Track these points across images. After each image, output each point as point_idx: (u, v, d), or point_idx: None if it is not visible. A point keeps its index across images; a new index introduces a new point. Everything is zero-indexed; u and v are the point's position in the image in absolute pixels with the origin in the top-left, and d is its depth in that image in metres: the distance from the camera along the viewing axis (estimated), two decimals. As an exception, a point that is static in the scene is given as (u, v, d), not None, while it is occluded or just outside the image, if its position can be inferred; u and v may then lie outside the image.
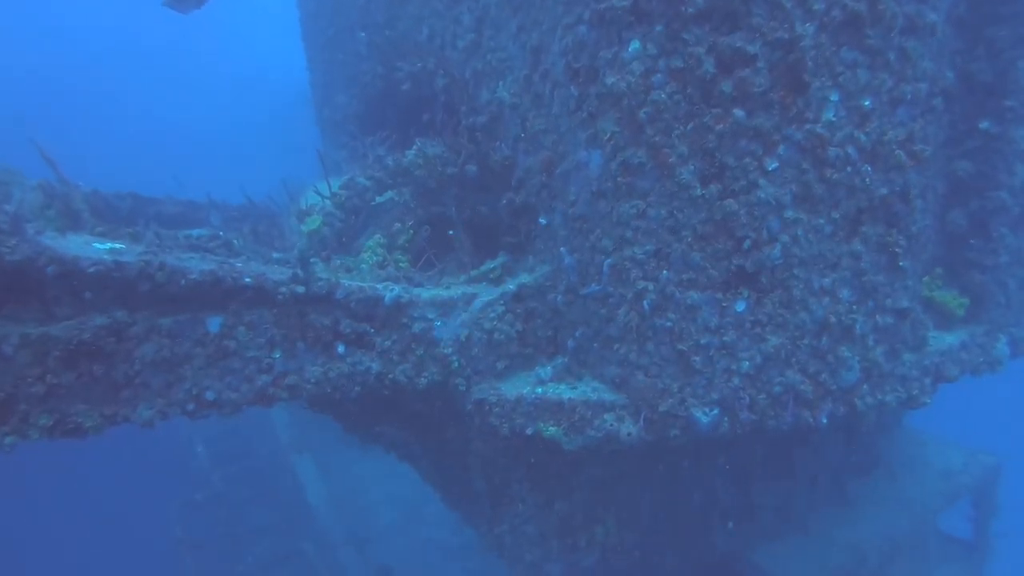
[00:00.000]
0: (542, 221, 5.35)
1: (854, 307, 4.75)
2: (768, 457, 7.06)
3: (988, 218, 5.40)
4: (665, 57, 4.28)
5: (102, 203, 6.33)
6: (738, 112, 4.28)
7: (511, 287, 5.35)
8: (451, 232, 5.92)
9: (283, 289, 4.62)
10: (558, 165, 5.03)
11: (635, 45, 4.31)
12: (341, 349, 4.92)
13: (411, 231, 5.78)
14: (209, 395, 4.52)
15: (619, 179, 4.52)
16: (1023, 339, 5.80)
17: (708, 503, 7.02)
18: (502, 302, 5.29)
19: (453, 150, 5.92)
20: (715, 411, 4.87)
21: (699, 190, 4.46)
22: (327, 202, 5.73)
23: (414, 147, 5.88)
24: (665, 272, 4.63)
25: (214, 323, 4.55)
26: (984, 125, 5.27)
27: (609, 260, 4.75)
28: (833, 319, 4.71)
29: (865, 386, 4.91)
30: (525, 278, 5.45)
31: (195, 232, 5.25)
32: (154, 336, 4.35)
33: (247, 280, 4.54)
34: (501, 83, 5.38)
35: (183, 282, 4.32)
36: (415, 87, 6.62)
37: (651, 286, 4.67)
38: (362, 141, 5.96)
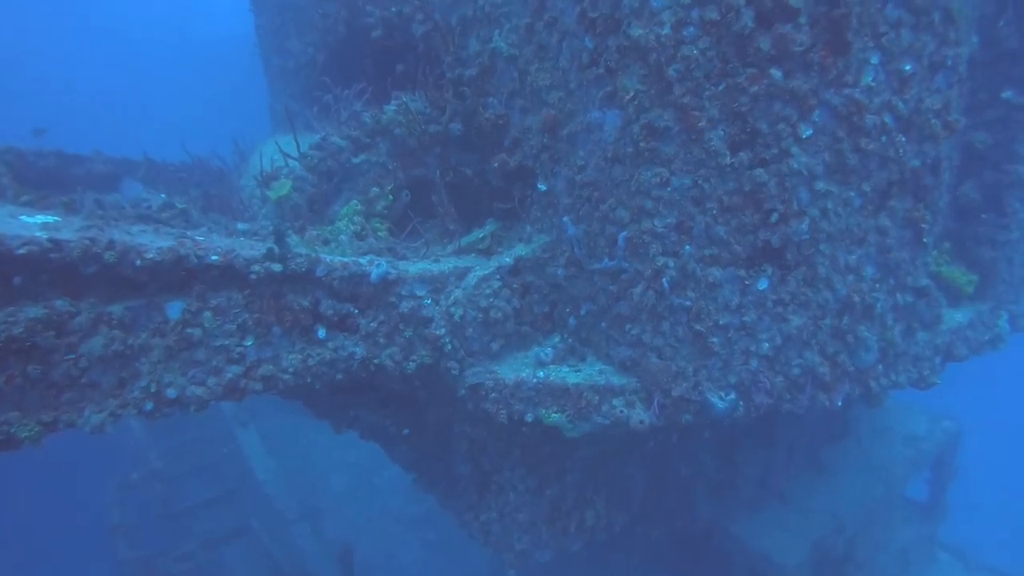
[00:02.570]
0: (541, 187, 4.84)
1: (876, 285, 4.51)
2: (752, 428, 6.93)
3: (1003, 192, 5.24)
4: (699, 7, 3.80)
5: (20, 162, 5.38)
6: (775, 72, 3.86)
7: (508, 260, 4.85)
8: (433, 197, 5.33)
9: (256, 267, 3.98)
10: (564, 125, 4.51)
11: (665, -8, 3.79)
12: (322, 333, 4.34)
13: (390, 196, 5.17)
14: (170, 392, 3.89)
15: (640, 143, 4.05)
16: (1022, 315, 5.75)
17: (693, 476, 6.87)
18: (498, 276, 4.80)
19: (436, 106, 5.30)
20: (731, 395, 4.59)
21: (728, 157, 4.06)
22: (294, 164, 5.02)
23: (393, 102, 5.21)
24: (687, 247, 4.24)
25: (174, 308, 3.89)
26: (1007, 95, 5.05)
27: (625, 233, 4.31)
28: (856, 298, 4.46)
29: (880, 367, 4.72)
30: (521, 249, 4.96)
31: (143, 199, 4.49)
32: (102, 327, 3.66)
33: (213, 258, 3.88)
34: (497, 32, 4.76)
35: (138, 262, 3.63)
36: (387, 34, 5.89)
37: (671, 262, 4.27)
38: (335, 94, 5.25)
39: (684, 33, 3.85)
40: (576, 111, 4.41)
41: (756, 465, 7.22)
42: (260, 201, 5.79)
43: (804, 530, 7.10)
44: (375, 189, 5.11)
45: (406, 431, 5.69)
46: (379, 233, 5.05)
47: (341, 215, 4.91)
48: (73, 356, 3.57)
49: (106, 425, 3.72)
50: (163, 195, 6.31)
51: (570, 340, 4.99)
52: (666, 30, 3.83)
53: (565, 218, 4.67)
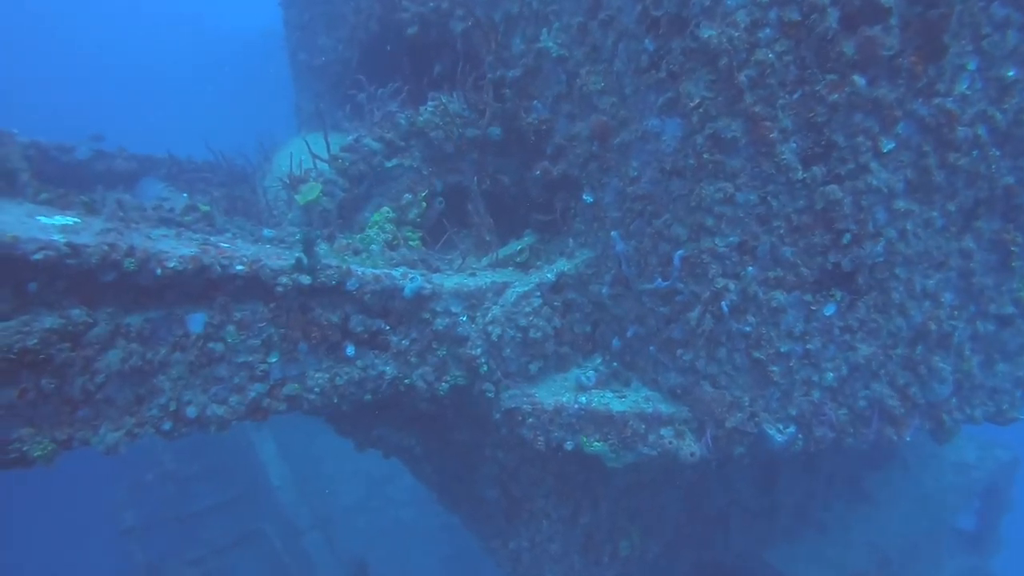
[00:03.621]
0: (587, 198, 4.51)
1: (955, 312, 4.15)
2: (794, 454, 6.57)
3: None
4: (778, 7, 3.46)
5: (41, 157, 5.13)
6: (859, 79, 3.51)
7: (549, 276, 4.53)
8: (468, 205, 5.02)
9: (283, 279, 3.68)
10: (616, 133, 4.18)
11: (740, -10, 3.46)
12: (350, 351, 4.04)
13: (423, 203, 4.86)
14: (190, 411, 3.60)
15: (704, 155, 3.72)
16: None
17: (730, 503, 6.52)
18: (539, 293, 4.48)
19: (475, 108, 4.98)
20: (791, 428, 4.24)
21: (800, 173, 3.72)
22: (323, 166, 4.73)
23: (430, 103, 4.91)
24: (750, 268, 3.91)
25: (196, 321, 3.61)
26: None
27: (681, 251, 3.97)
28: (932, 326, 4.10)
29: (954, 400, 4.36)
30: (564, 264, 4.64)
31: (164, 199, 4.21)
32: (120, 340, 3.38)
33: (238, 268, 3.59)
34: (545, 31, 4.44)
35: (159, 271, 3.34)
36: (423, 31, 5.59)
37: (732, 284, 3.94)
38: (368, 93, 4.94)
39: (760, 35, 3.51)
40: (631, 118, 4.09)
41: (796, 493, 6.86)
42: (286, 204, 5.50)
43: (844, 562, 6.72)
44: (408, 196, 4.81)
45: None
46: (411, 243, 4.74)
47: (372, 222, 4.61)
48: (89, 371, 3.29)
49: (121, 445, 3.44)
50: (185, 195, 6.05)
51: (614, 363, 4.65)
52: (740, 32, 3.49)
53: (613, 233, 4.34)
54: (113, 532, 10.63)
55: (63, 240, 3.14)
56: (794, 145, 3.71)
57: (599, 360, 4.82)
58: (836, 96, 3.56)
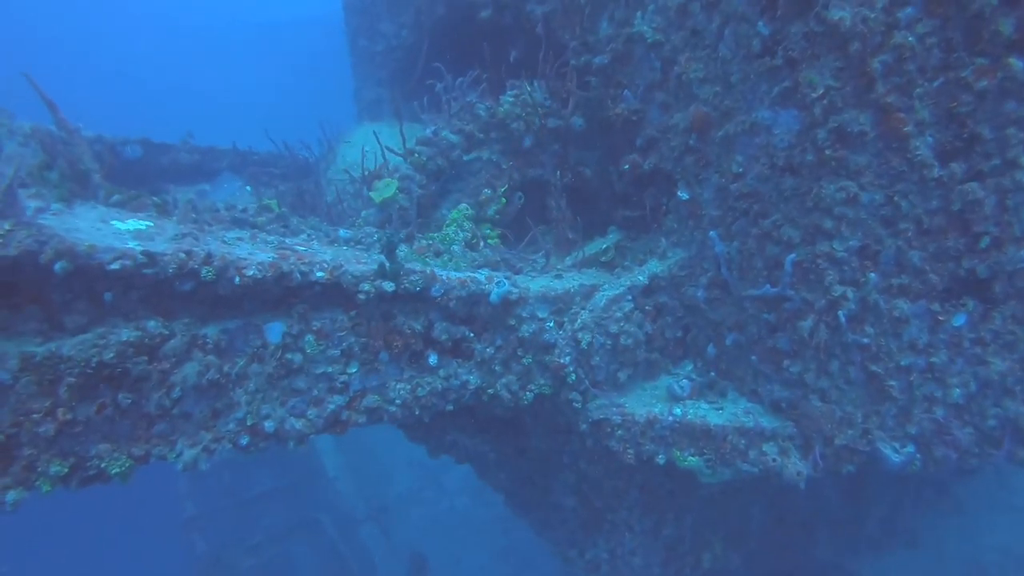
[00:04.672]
0: (682, 195, 4.16)
1: (1105, 325, 3.70)
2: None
3: None
4: (924, -20, 3.05)
5: (107, 152, 4.99)
6: (1016, 62, 3.08)
7: (641, 278, 4.21)
8: (549, 200, 4.72)
9: (366, 286, 3.45)
10: (719, 125, 3.81)
11: (880, -37, 3.06)
12: (433, 359, 3.80)
13: (503, 199, 4.57)
14: (268, 425, 3.42)
15: (826, 151, 3.34)
16: None
17: (815, 513, 6.16)
18: (630, 297, 4.17)
19: (557, 97, 4.65)
20: (909, 447, 3.88)
21: (936, 170, 3.32)
22: (396, 159, 4.47)
23: (510, 92, 4.59)
24: (872, 275, 3.53)
25: (274, 331, 3.40)
26: None
27: (793, 255, 3.61)
28: (1079, 340, 3.66)
29: (1096, 420, 3.91)
30: (656, 266, 4.31)
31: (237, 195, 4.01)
32: (197, 352, 3.19)
33: (319, 275, 3.37)
34: (639, 13, 4.08)
35: (237, 280, 3.13)
36: (497, 14, 5.26)
37: (851, 292, 3.56)
38: (447, 83, 4.65)
39: (899, 15, 3.10)
40: (736, 109, 3.71)
41: (884, 502, 6.45)
42: (353, 197, 5.28)
43: (939, 576, 6.30)
44: (487, 191, 4.52)
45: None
46: (490, 240, 4.47)
47: (450, 220, 4.34)
48: (165, 385, 3.12)
49: (200, 461, 3.27)
50: (249, 188, 5.88)
51: (710, 372, 4.33)
52: (876, 12, 3.09)
53: (712, 233, 3.99)
54: (176, 523, 10.75)
55: (139, 248, 2.95)
56: (930, 139, 3.31)
57: (690, 367, 4.50)
58: (985, 82, 3.14)
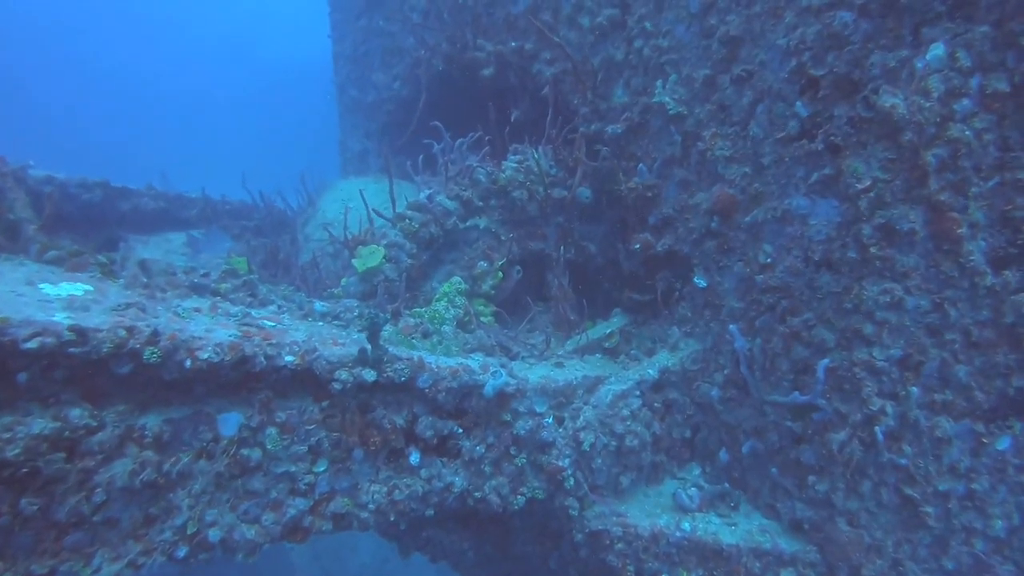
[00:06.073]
0: (699, 282, 3.78)
1: None
2: None
3: None
4: (983, 73, 2.76)
5: (62, 195, 4.47)
6: (1083, 167, 2.78)
7: (651, 372, 3.77)
8: (549, 275, 4.31)
9: (342, 374, 2.95)
10: (746, 210, 3.46)
11: (938, 50, 2.77)
12: (415, 458, 3.29)
13: (499, 273, 4.14)
14: (213, 534, 2.86)
15: (872, 249, 2.99)
16: None
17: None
18: (639, 393, 3.72)
19: (564, 166, 4.29)
20: (943, 583, 3.43)
21: (990, 277, 2.97)
22: (388, 227, 4.03)
23: (513, 157, 4.22)
24: (913, 388, 3.14)
25: (229, 423, 2.88)
26: None
27: (827, 361, 3.22)
28: None
29: None
30: (667, 358, 3.88)
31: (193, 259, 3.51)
32: (131, 446, 2.65)
33: (288, 359, 2.87)
34: (660, 82, 3.76)
35: (188, 363, 2.62)
36: (500, 73, 4.94)
37: (890, 407, 3.16)
38: (447, 143, 4.26)
39: (955, 107, 2.80)
40: (767, 193, 3.37)
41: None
42: (332, 257, 4.82)
43: None
44: (483, 263, 4.09)
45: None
46: (483, 318, 4.02)
47: (440, 294, 3.89)
48: (85, 487, 2.56)
49: (121, 579, 2.69)
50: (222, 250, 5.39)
51: (722, 481, 3.86)
52: (932, 102, 2.78)
53: (733, 327, 3.59)
54: None
55: (68, 322, 2.44)
56: (983, 243, 2.98)
57: (698, 471, 4.04)
58: (1048, 184, 2.83)
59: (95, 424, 2.56)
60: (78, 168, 5.21)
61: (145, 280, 3.08)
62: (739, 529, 3.65)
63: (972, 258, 2.95)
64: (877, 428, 3.18)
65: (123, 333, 2.51)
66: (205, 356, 2.65)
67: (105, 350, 2.48)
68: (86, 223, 4.65)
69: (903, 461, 3.25)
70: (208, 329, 2.84)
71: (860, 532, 3.42)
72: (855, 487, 3.37)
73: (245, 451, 2.89)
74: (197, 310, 3.08)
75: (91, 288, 2.85)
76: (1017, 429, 3.26)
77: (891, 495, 3.35)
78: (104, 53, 33.34)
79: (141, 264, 3.13)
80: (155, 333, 2.58)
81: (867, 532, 3.42)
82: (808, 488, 3.48)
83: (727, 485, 3.82)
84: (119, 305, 2.76)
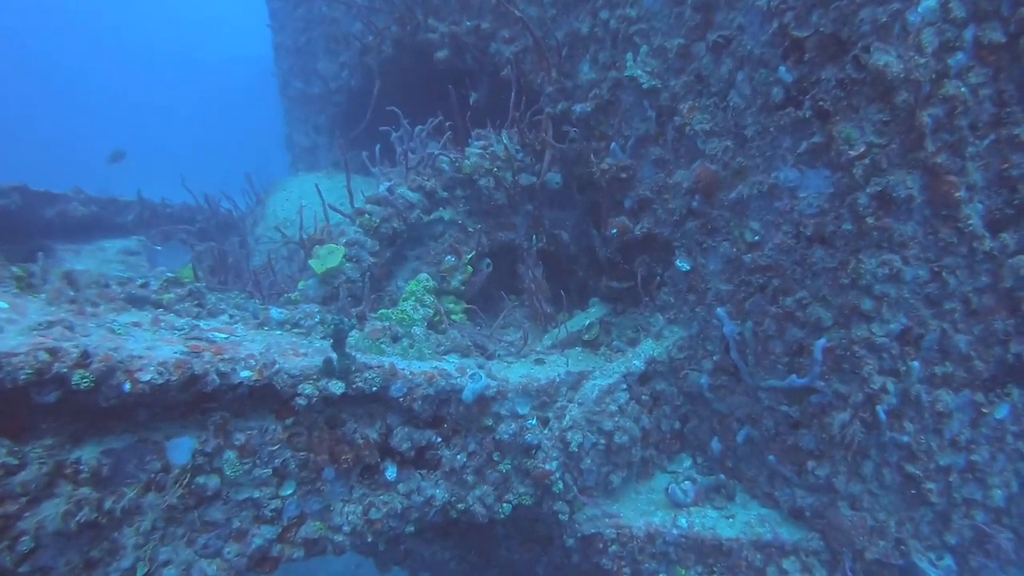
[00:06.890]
0: (681, 265, 3.58)
1: None
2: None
3: None
4: (978, 22, 2.62)
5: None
6: (1082, 121, 2.67)
7: (637, 363, 3.56)
8: (520, 267, 4.06)
9: (307, 388, 2.65)
10: (731, 186, 3.27)
11: (931, 1, 2.60)
12: (391, 473, 3.00)
13: (469, 267, 3.87)
14: (169, 574, 2.52)
15: (869, 219, 2.82)
16: None
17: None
18: (625, 386, 3.50)
19: (531, 150, 4.04)
20: (946, 560, 3.33)
21: (988, 242, 2.85)
22: (344, 221, 3.71)
23: (477, 143, 3.95)
24: (914, 363, 3.00)
25: (180, 449, 2.54)
26: None
27: (824, 340, 3.05)
28: None
29: None
30: (652, 347, 3.68)
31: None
32: (64, 484, 2.31)
33: (244, 375, 2.55)
34: (630, 55, 3.54)
35: (127, 387, 2.29)
36: (455, 55, 4.65)
37: (891, 384, 3.02)
38: (406, 131, 3.94)
39: (950, 62, 2.65)
40: (751, 167, 3.18)
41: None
42: (286, 260, 4.48)
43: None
44: (450, 258, 3.81)
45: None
46: (454, 316, 3.75)
47: (407, 293, 3.59)
48: (8, 533, 2.21)
49: (58, 637, 2.34)
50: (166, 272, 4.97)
51: (715, 471, 3.68)
52: (927, 58, 2.62)
53: (720, 310, 3.40)
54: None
55: (-20, 347, 2.08)
56: (980, 206, 2.85)
57: (689, 463, 3.86)
58: (1044, 142, 2.71)
59: (15, 463, 2.21)
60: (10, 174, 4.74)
61: (72, 294, 2.72)
62: (737, 521, 3.48)
63: (971, 222, 2.81)
64: (879, 407, 3.04)
65: (45, 356, 2.16)
66: (147, 378, 2.32)
67: (23, 377, 2.12)
68: (2, 233, 4.19)
69: (905, 439, 3.11)
70: (150, 346, 2.50)
71: (863, 515, 3.28)
72: (857, 470, 3.22)
73: (201, 479, 2.57)
74: (136, 325, 2.73)
75: (5, 305, 2.48)
76: (1015, 396, 3.17)
77: (894, 474, 3.21)
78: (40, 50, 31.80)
79: (66, 276, 2.76)
80: (85, 354, 2.23)
81: (870, 514, 3.28)
82: (808, 474, 3.32)
83: (722, 476, 3.65)
84: (40, 323, 2.39)
